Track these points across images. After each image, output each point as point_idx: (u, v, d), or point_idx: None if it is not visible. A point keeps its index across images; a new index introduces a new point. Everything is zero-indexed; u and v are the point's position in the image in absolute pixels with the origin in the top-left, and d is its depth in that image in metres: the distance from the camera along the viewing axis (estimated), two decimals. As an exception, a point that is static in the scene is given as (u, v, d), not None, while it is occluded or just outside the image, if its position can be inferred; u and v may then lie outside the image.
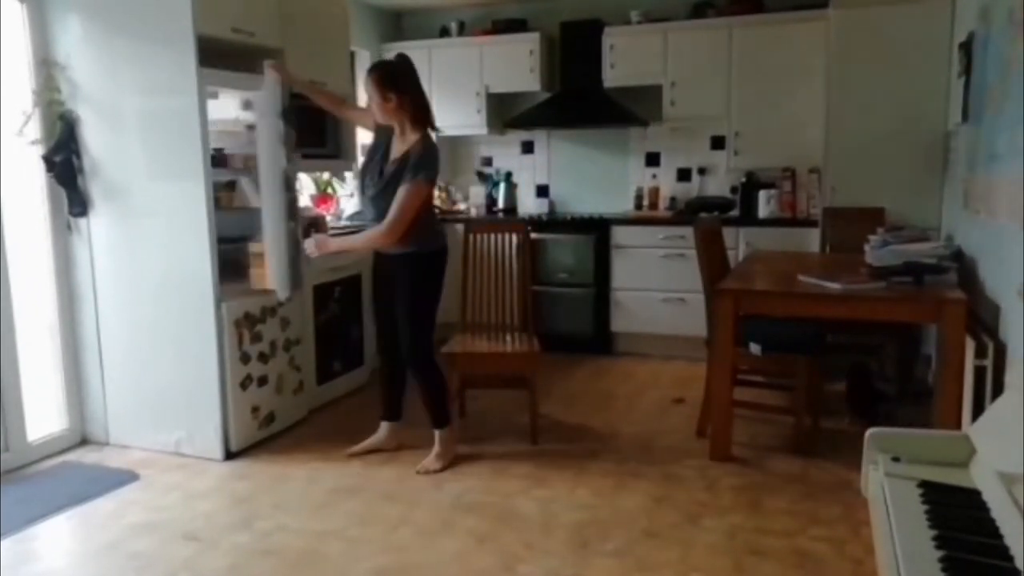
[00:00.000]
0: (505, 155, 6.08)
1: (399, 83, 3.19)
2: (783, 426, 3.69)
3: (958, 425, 2.85)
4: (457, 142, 6.08)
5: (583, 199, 5.87)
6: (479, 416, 4.05)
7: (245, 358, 3.57)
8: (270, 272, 3.51)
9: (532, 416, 3.68)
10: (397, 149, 3.26)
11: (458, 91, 5.68)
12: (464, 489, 3.18)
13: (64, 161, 3.50)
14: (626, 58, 5.33)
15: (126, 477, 3.33)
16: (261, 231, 3.55)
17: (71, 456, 3.61)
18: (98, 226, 3.61)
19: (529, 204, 5.97)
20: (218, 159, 3.58)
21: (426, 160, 3.16)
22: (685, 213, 5.34)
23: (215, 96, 3.56)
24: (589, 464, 3.42)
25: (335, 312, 4.32)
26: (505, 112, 5.82)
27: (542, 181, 6.02)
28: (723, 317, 3.31)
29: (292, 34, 3.86)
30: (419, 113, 3.24)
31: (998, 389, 2.54)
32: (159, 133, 3.41)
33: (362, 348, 4.58)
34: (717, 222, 4.28)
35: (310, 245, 3.37)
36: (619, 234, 5.25)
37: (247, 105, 3.70)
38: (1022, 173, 2.47)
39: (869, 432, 1.75)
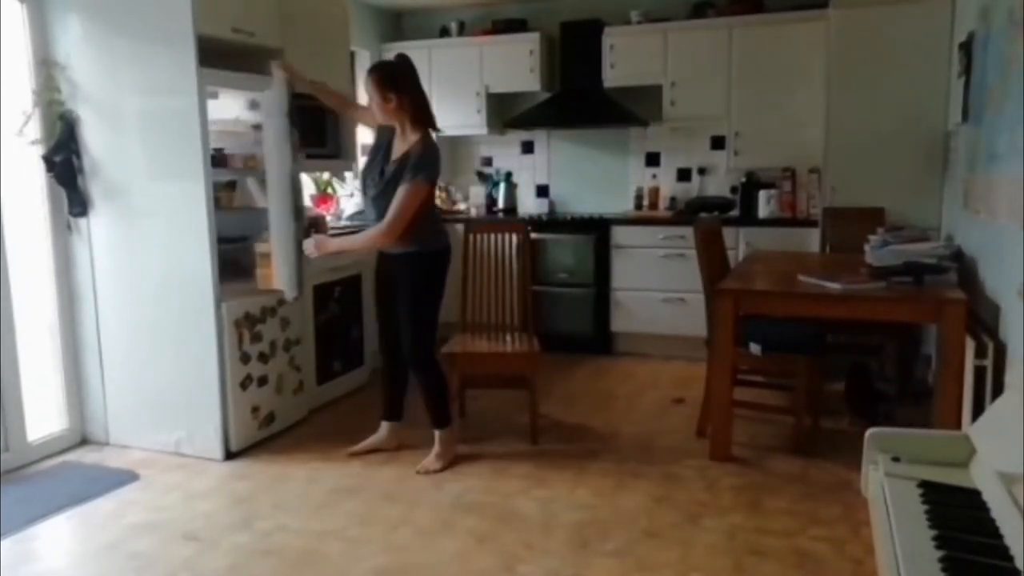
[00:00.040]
0: (505, 155, 6.08)
1: (399, 83, 3.19)
2: (783, 426, 3.69)
3: (958, 425, 2.85)
4: (457, 142, 6.08)
5: (583, 199, 5.87)
6: (479, 416, 4.05)
7: (245, 358, 3.57)
8: (277, 273, 3.50)
9: (532, 416, 3.68)
10: (398, 149, 3.26)
11: (458, 91, 5.68)
12: (464, 489, 3.18)
13: (64, 161, 3.50)
14: (626, 58, 5.33)
15: (126, 477, 3.34)
16: (265, 231, 3.54)
17: (71, 456, 3.61)
18: (98, 226, 3.61)
19: (529, 204, 5.97)
20: (218, 159, 3.58)
21: (426, 160, 3.16)
22: (685, 213, 5.34)
23: (215, 96, 3.57)
24: (589, 464, 3.42)
25: (335, 312, 4.32)
26: (505, 112, 5.82)
27: (542, 181, 6.02)
28: (723, 317, 3.31)
29: (292, 34, 3.85)
30: (419, 113, 3.24)
31: (998, 389, 2.53)
32: (159, 133, 3.41)
33: (362, 348, 4.58)
34: (717, 222, 4.28)
35: (309, 245, 3.37)
36: (619, 234, 5.25)
37: (254, 105, 3.70)
38: (1022, 173, 2.47)
39: (869, 432, 1.75)
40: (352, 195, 5.31)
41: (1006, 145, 2.75)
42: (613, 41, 5.35)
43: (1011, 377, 2.17)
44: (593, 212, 5.63)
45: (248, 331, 3.58)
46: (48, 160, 3.49)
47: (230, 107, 3.81)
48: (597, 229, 5.28)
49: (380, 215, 3.23)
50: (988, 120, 3.10)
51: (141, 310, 3.56)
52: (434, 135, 3.29)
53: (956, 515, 1.42)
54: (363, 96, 3.89)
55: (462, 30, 5.89)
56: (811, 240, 4.78)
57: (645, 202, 5.64)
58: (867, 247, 3.62)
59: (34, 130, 3.51)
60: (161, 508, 3.04)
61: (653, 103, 5.32)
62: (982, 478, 1.54)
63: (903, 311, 3.25)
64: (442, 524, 2.88)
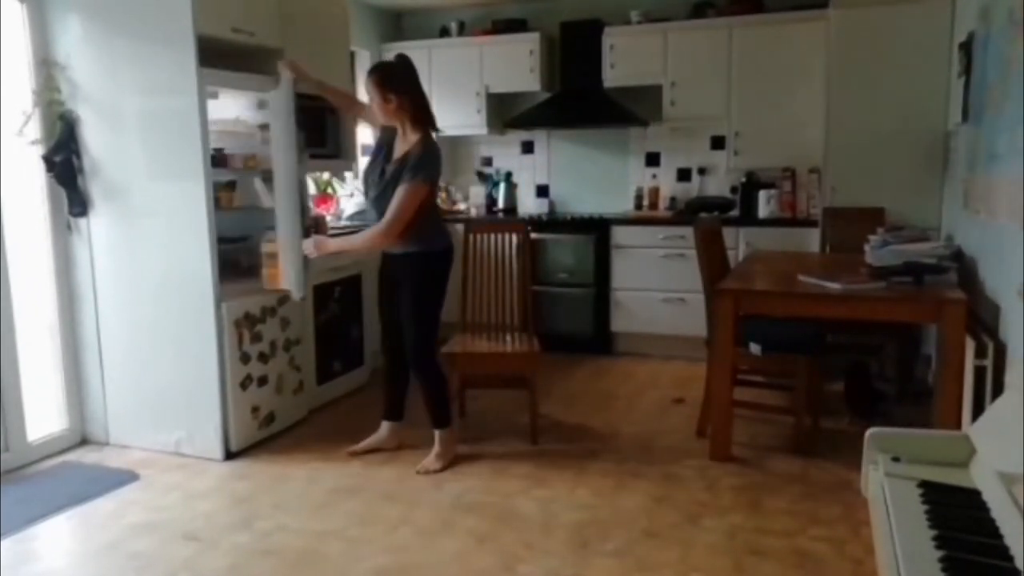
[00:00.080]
0: (505, 155, 6.08)
1: (399, 84, 3.20)
2: (783, 426, 3.69)
3: (958, 425, 2.85)
4: (457, 142, 6.07)
5: (583, 199, 5.87)
6: (479, 416, 4.05)
7: (245, 358, 3.57)
8: (284, 273, 3.50)
9: (532, 416, 3.68)
10: (399, 150, 3.26)
11: (458, 91, 5.68)
12: (464, 489, 3.18)
13: (64, 161, 3.50)
14: (626, 58, 5.33)
15: (126, 477, 3.34)
16: (269, 231, 3.55)
17: (71, 456, 3.61)
18: (98, 226, 3.61)
19: (529, 204, 5.97)
20: (218, 159, 3.58)
21: (425, 161, 3.16)
22: (685, 213, 5.34)
23: (215, 96, 3.57)
24: (589, 464, 3.42)
25: (335, 312, 4.32)
26: (505, 112, 5.82)
27: (542, 181, 6.02)
28: (723, 317, 3.31)
29: (292, 34, 3.85)
30: (419, 114, 3.24)
31: (998, 389, 2.53)
32: (159, 133, 3.41)
33: (362, 348, 4.58)
34: (717, 222, 4.28)
35: (308, 246, 3.38)
36: (619, 234, 5.25)
37: (262, 105, 3.70)
38: (1022, 173, 2.47)
39: (869, 432, 1.75)
40: (352, 195, 5.32)
41: (1006, 145, 2.75)
42: (613, 41, 5.35)
43: (1011, 377, 2.17)
44: (593, 212, 5.63)
45: (248, 331, 3.58)
46: (48, 160, 3.49)
47: (230, 107, 3.81)
48: (597, 229, 5.28)
49: (381, 215, 3.23)
50: (988, 120, 3.10)
51: (141, 310, 3.56)
52: (434, 135, 3.29)
53: (956, 515, 1.42)
54: (364, 96, 3.89)
55: (462, 30, 5.89)
56: (811, 240, 4.78)
57: (645, 202, 5.64)
58: (867, 247, 3.62)
59: (34, 130, 3.51)
60: (161, 508, 3.04)
61: (653, 103, 5.32)
62: (982, 478, 1.54)
63: (903, 311, 3.25)
64: (442, 524, 2.88)
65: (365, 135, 5.51)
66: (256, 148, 3.78)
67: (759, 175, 5.22)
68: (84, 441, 3.76)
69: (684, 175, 5.63)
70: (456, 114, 5.58)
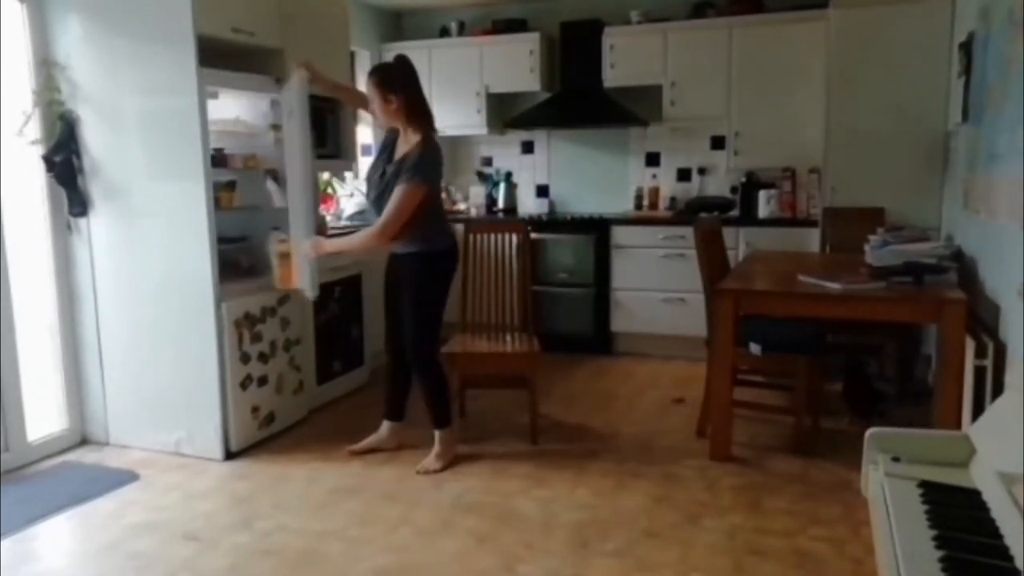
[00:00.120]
0: (505, 155, 6.08)
1: (399, 85, 3.19)
2: (783, 426, 3.69)
3: (958, 425, 2.85)
4: (457, 142, 6.07)
5: (583, 199, 5.87)
6: (479, 416, 4.05)
7: (245, 358, 3.57)
8: (298, 272, 3.49)
9: (532, 416, 3.68)
10: (400, 150, 3.26)
11: (458, 91, 5.68)
12: (464, 489, 3.18)
13: (64, 161, 3.50)
14: (626, 58, 5.33)
15: (126, 477, 3.34)
16: (275, 231, 3.56)
17: (71, 456, 3.61)
18: (98, 226, 3.61)
19: (529, 204, 5.97)
20: (218, 159, 3.58)
21: (423, 162, 3.16)
22: (685, 213, 5.34)
23: (215, 96, 3.57)
24: (589, 464, 3.42)
25: (335, 312, 4.32)
26: (505, 112, 5.82)
27: (542, 181, 6.02)
28: (723, 317, 3.31)
29: (292, 34, 3.86)
30: (420, 114, 3.24)
31: (998, 389, 2.53)
32: (159, 133, 3.41)
33: (362, 348, 4.58)
34: (717, 222, 4.28)
35: (307, 247, 3.37)
36: (619, 234, 5.25)
37: (274, 104, 3.70)
38: (1022, 173, 2.47)
39: (869, 432, 1.75)
40: (352, 195, 5.32)
41: (1006, 145, 2.75)
42: (613, 41, 5.35)
43: (1011, 377, 2.17)
44: (593, 212, 5.63)
45: (248, 331, 3.58)
46: (48, 160, 3.49)
47: (230, 107, 3.81)
48: (597, 229, 5.28)
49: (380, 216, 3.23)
50: (988, 120, 3.10)
51: (141, 310, 3.56)
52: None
53: (956, 515, 1.42)
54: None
55: (462, 30, 5.89)
56: (811, 240, 4.78)
57: (645, 202, 5.64)
58: (867, 247, 3.62)
59: (34, 130, 3.51)
60: (161, 508, 3.04)
61: (653, 103, 5.32)
62: (982, 478, 1.54)
63: (903, 311, 3.25)
64: (442, 524, 2.88)
65: (365, 135, 5.52)
66: (257, 148, 3.78)
67: (759, 175, 5.22)
68: (84, 441, 3.76)
69: (684, 175, 5.63)
70: (456, 114, 5.58)
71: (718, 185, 5.52)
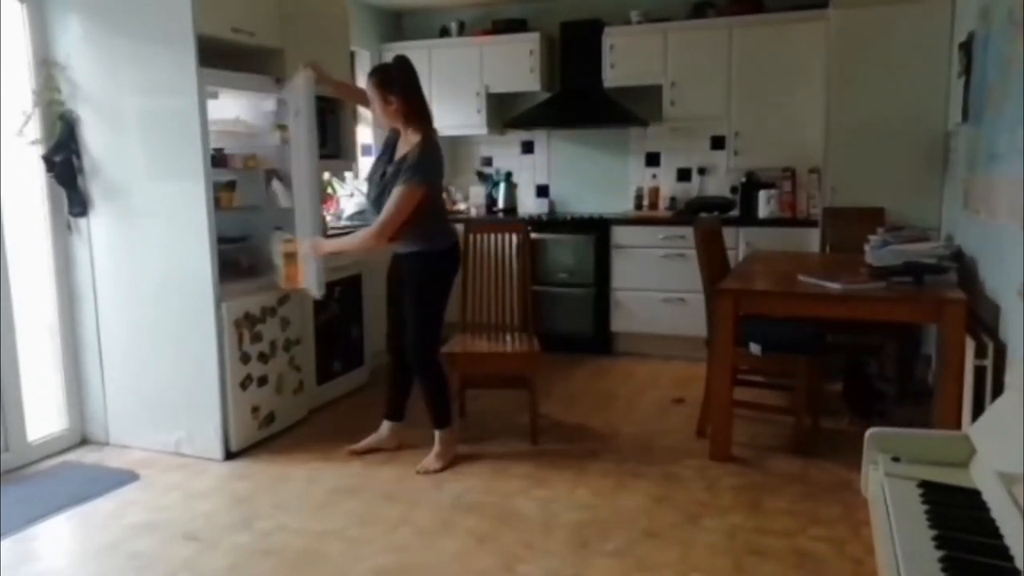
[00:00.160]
0: (505, 155, 6.08)
1: (399, 86, 3.19)
2: (783, 426, 3.69)
3: (958, 425, 2.85)
4: (457, 142, 6.07)
5: (583, 199, 5.87)
6: (479, 416, 4.05)
7: (245, 358, 3.57)
8: (305, 272, 3.50)
9: (532, 416, 3.68)
10: (400, 151, 3.26)
11: (458, 91, 5.68)
12: (464, 489, 3.18)
13: (64, 161, 3.50)
14: (626, 58, 5.33)
15: (126, 477, 3.34)
16: (278, 231, 3.57)
17: (71, 456, 3.61)
18: (98, 226, 3.61)
19: (529, 204, 5.97)
20: (218, 159, 3.58)
21: (422, 162, 3.16)
22: (685, 213, 5.34)
23: (215, 96, 3.57)
24: (589, 464, 3.42)
25: (335, 312, 4.32)
26: (505, 112, 5.82)
27: (542, 181, 6.02)
28: (723, 317, 3.31)
29: (292, 34, 3.86)
30: (419, 115, 3.24)
31: (998, 389, 2.53)
32: (159, 133, 3.41)
33: (362, 348, 4.58)
34: (717, 222, 4.28)
35: (306, 247, 3.37)
36: (619, 234, 5.25)
37: (280, 104, 3.70)
38: (1022, 173, 2.47)
39: (869, 432, 1.75)
40: (352, 195, 5.32)
41: (1006, 145, 2.75)
42: (613, 41, 5.35)
43: (1011, 377, 2.17)
44: (593, 212, 5.63)
45: (248, 331, 3.58)
46: (48, 160, 3.49)
47: (230, 107, 3.81)
48: (597, 229, 5.28)
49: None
50: (988, 120, 3.10)
51: (141, 310, 3.56)
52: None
53: (956, 515, 1.42)
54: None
55: (462, 30, 5.89)
56: (811, 240, 4.78)
57: (645, 202, 5.64)
58: (867, 247, 3.62)
59: (34, 130, 3.51)
60: (161, 508, 3.04)
61: (653, 103, 5.32)
62: (982, 478, 1.54)
63: (903, 311, 3.25)
64: (442, 524, 2.88)
65: (365, 135, 5.52)
66: (257, 148, 3.78)
67: (759, 175, 5.22)
68: (84, 441, 3.76)
69: (684, 175, 5.63)
70: (456, 114, 5.59)
71: (718, 185, 5.52)
